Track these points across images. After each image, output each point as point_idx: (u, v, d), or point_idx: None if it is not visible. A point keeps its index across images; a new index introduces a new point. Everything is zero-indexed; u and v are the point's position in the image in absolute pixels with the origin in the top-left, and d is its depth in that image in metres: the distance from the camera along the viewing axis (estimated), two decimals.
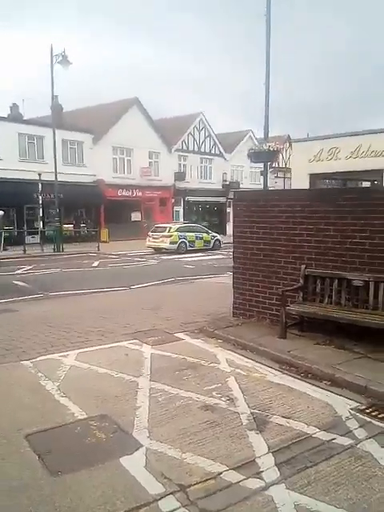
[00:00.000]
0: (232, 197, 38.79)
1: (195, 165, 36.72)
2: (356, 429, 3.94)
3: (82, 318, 7.99)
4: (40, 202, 24.17)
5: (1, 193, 23.45)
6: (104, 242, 26.84)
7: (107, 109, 31.13)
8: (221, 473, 3.27)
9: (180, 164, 35.56)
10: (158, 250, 23.02)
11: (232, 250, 7.71)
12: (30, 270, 16.03)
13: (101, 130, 29.70)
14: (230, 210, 40.43)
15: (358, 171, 11.20)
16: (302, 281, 6.52)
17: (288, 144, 14.72)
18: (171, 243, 22.64)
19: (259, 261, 7.13)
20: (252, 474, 3.27)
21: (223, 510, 2.88)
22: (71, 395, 4.57)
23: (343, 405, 4.39)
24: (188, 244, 23.44)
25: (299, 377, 5.13)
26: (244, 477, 3.23)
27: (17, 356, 5.87)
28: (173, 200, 34.39)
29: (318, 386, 4.85)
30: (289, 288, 6.47)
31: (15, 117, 27.88)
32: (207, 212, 37.47)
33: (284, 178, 28.21)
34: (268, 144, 12.94)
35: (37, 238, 24.71)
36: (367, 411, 4.27)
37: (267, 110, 13.39)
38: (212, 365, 5.52)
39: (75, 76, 76.52)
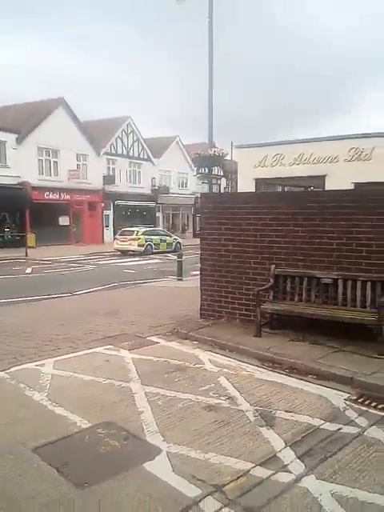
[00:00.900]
0: (161, 202, 38.39)
1: (124, 169, 36.30)
2: (356, 418, 4.14)
3: (40, 326, 7.55)
4: None
5: None
6: (31, 247, 25.51)
7: (32, 108, 29.73)
8: (249, 470, 3.28)
9: (109, 167, 34.95)
10: (125, 253, 24.39)
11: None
12: None
13: (25, 129, 28.36)
14: (159, 214, 40.54)
15: (302, 177, 11.78)
16: (272, 280, 6.72)
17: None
18: (139, 246, 24.21)
19: (228, 262, 7.23)
20: (279, 468, 3.32)
21: (266, 506, 2.90)
22: (65, 404, 4.31)
23: (336, 396, 4.60)
24: (153, 246, 25.02)
25: (285, 372, 5.28)
26: (272, 471, 3.27)
27: None
28: (102, 204, 33.67)
29: (307, 381, 5.02)
30: (262, 288, 6.63)
31: None
32: (137, 216, 37.14)
33: (217, 183, 28.81)
34: (213, 149, 13.18)
35: None
36: (360, 401, 4.50)
37: (211, 118, 13.65)
38: (197, 366, 5.50)
39: None
